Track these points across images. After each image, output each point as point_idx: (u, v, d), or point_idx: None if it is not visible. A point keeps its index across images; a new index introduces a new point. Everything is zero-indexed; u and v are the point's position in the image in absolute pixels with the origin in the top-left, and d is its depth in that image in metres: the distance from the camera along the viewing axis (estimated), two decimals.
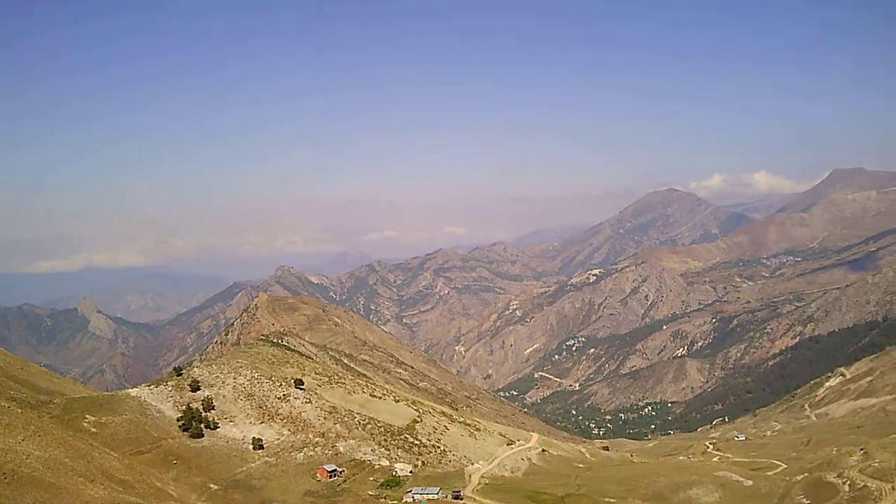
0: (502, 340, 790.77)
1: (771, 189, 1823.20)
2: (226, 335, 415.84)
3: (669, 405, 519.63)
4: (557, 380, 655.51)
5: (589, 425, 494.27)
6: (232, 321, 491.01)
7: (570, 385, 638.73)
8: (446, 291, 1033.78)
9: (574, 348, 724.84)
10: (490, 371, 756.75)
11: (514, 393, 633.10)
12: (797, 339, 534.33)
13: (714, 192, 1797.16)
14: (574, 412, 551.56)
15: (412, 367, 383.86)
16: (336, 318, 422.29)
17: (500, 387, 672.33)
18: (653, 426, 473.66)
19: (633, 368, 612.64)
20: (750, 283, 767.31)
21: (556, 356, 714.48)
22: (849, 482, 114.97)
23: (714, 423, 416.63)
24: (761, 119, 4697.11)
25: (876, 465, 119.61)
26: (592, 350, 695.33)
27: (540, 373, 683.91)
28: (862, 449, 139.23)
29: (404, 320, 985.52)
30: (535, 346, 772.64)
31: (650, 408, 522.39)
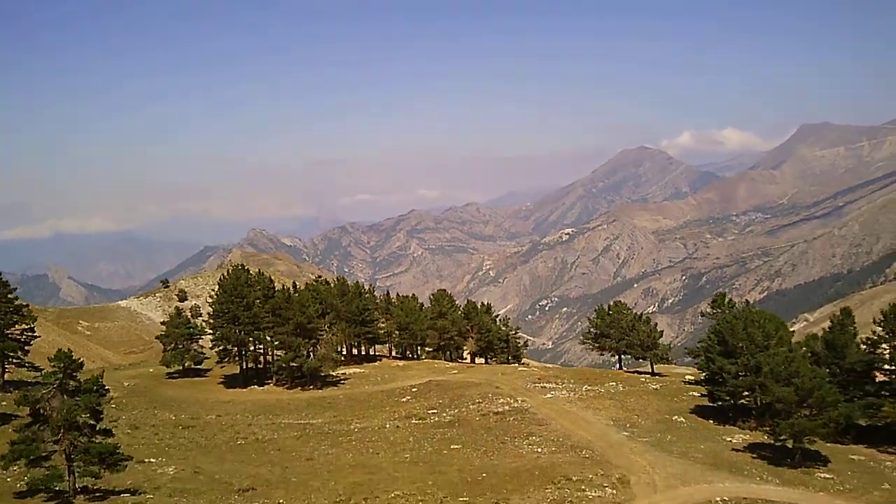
0: (476, 302, 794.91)
1: (741, 147, 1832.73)
2: None
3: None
4: (531, 339, 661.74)
5: None
6: None
7: (543, 343, 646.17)
8: (420, 252, 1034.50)
9: (547, 308, 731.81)
10: None
11: None
12: (765, 294, 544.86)
13: (685, 150, 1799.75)
14: None
15: None
16: (311, 275, 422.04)
17: None
18: None
19: None
20: (720, 239, 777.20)
21: (530, 316, 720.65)
22: None
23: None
24: (726, 75, 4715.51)
25: None
26: (565, 309, 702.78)
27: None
28: None
29: (378, 282, 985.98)
30: (509, 306, 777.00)
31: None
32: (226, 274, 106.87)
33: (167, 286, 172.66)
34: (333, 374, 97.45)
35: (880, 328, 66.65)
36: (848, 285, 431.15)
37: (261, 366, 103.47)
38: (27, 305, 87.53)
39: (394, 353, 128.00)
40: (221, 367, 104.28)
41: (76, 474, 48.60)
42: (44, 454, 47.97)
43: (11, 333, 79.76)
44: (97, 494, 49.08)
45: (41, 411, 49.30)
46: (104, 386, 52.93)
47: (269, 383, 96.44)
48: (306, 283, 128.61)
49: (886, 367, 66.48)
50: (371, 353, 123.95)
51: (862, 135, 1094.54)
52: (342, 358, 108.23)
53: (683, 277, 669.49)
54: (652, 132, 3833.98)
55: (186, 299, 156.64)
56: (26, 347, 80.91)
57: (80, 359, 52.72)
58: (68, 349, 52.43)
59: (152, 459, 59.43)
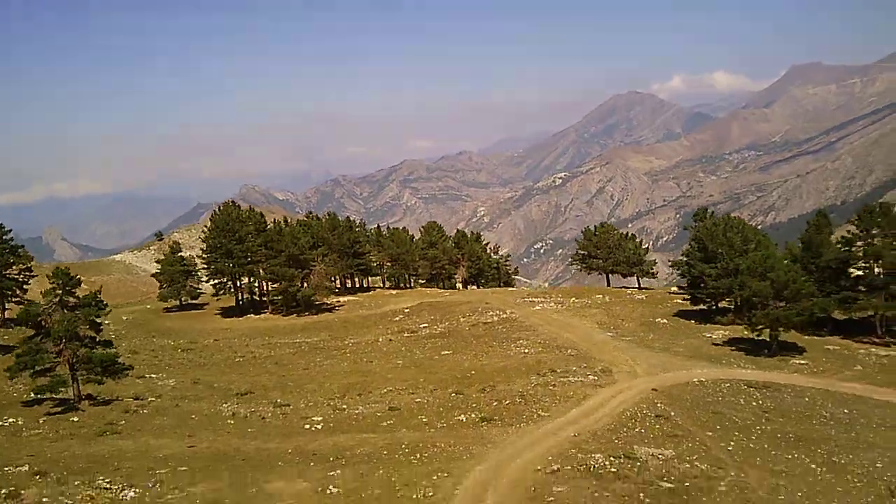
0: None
1: (732, 88, 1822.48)
2: None
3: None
4: (527, 280, 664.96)
5: None
6: None
7: (539, 285, 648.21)
8: (413, 202, 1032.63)
9: (542, 250, 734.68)
10: None
11: None
12: (759, 227, 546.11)
13: (676, 93, 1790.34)
14: None
15: None
16: None
17: None
18: None
19: None
20: (713, 177, 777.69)
21: (525, 259, 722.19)
22: None
23: None
24: (717, 17, 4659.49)
25: None
26: (560, 251, 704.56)
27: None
28: None
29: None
30: (504, 251, 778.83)
31: None
32: (217, 210, 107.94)
33: (161, 239, 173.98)
34: (328, 301, 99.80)
35: (854, 226, 68.47)
36: (841, 217, 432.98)
37: (256, 297, 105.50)
38: (23, 246, 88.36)
39: (386, 284, 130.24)
40: (217, 300, 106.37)
41: (79, 382, 50.52)
42: (48, 365, 49.65)
43: (9, 273, 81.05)
44: (101, 400, 50.94)
45: (43, 324, 51.05)
46: (102, 301, 54.65)
47: (265, 312, 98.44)
48: (297, 220, 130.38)
49: (861, 263, 68.40)
50: (364, 284, 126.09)
51: (853, 73, 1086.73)
52: (336, 288, 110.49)
53: (678, 216, 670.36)
54: (643, 78, 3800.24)
55: (180, 251, 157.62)
56: (24, 286, 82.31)
57: (77, 276, 54.32)
58: (66, 267, 54.19)
59: (153, 375, 61.54)
